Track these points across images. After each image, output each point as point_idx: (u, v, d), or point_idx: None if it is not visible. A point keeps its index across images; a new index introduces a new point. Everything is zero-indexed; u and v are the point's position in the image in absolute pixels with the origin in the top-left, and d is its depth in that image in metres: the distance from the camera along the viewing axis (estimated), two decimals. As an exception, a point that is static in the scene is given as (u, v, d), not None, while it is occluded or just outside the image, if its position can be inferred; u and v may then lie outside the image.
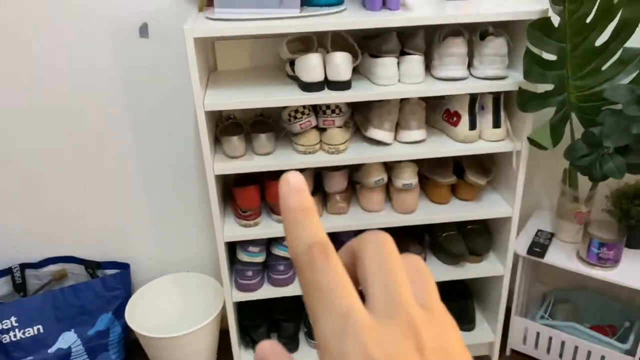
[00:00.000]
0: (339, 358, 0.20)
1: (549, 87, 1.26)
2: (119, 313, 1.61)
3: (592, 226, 1.46)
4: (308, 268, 0.22)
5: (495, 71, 1.29)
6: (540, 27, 1.19)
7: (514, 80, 1.29)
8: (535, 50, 1.22)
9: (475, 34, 1.32)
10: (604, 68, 1.22)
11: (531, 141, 1.32)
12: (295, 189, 0.24)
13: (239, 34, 1.14)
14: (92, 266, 1.67)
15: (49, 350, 1.50)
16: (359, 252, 0.24)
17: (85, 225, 1.66)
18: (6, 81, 1.44)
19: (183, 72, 1.48)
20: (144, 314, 1.64)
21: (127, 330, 1.63)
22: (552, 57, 1.22)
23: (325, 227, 1.39)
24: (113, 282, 1.61)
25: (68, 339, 1.54)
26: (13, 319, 1.48)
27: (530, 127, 1.34)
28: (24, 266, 1.65)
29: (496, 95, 1.34)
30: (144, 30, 1.41)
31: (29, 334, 1.49)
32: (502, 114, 1.35)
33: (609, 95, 1.16)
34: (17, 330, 1.47)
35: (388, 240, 0.24)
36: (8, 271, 1.63)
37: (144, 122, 1.54)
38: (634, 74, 1.20)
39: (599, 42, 1.20)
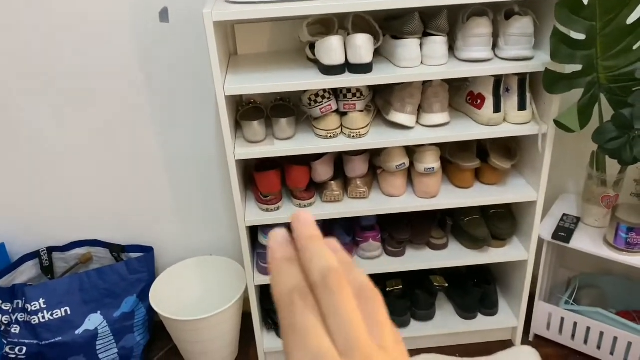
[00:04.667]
0: None
1: (577, 67, 1.22)
2: (144, 296, 1.63)
3: (620, 210, 1.42)
4: (287, 310, 0.25)
5: (521, 52, 1.25)
6: (568, 4, 1.14)
7: (540, 61, 1.25)
8: (563, 29, 1.18)
9: (500, 13, 1.28)
10: (635, 47, 1.18)
11: (558, 124, 1.28)
12: (279, 243, 0.28)
13: (258, 17, 1.13)
14: (116, 250, 1.69)
15: (77, 332, 1.54)
16: (311, 284, 0.26)
17: (109, 210, 1.68)
18: (29, 66, 1.46)
19: (203, 56, 1.47)
20: (168, 297, 1.66)
21: (151, 312, 1.66)
22: (580, 37, 1.18)
23: (345, 212, 1.39)
24: (137, 265, 1.63)
25: (95, 321, 1.57)
26: (41, 300, 1.51)
27: (556, 109, 1.30)
28: (51, 249, 1.68)
29: (522, 77, 1.30)
30: (164, 15, 1.41)
31: (56, 315, 1.52)
32: (528, 95, 1.31)
33: (640, 76, 1.12)
34: (45, 312, 1.51)
35: (335, 271, 0.26)
36: (36, 254, 1.67)
37: (165, 107, 1.54)
38: (668, 53, 1.16)
39: (630, 20, 1.15)
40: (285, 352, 0.25)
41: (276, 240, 0.28)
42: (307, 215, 0.29)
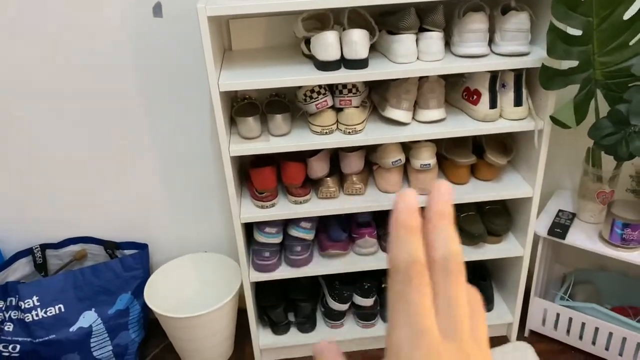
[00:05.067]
0: None
1: (574, 63, 1.21)
2: (138, 293, 1.63)
3: (615, 206, 1.43)
4: (403, 282, 0.25)
5: (517, 47, 1.25)
6: (565, 0, 1.14)
7: (536, 56, 1.25)
8: (560, 25, 1.17)
9: (496, 8, 1.27)
10: (631, 43, 1.18)
11: (554, 120, 1.28)
12: (408, 207, 0.27)
13: (253, 12, 1.12)
14: (111, 246, 1.68)
15: (71, 329, 1.53)
16: (431, 260, 0.26)
17: (103, 206, 1.67)
18: (19, 64, 1.44)
19: (198, 52, 1.46)
20: (163, 294, 1.65)
21: (146, 309, 1.65)
22: (577, 32, 1.18)
23: (342, 208, 1.39)
24: (132, 262, 1.62)
25: (89, 318, 1.56)
26: (35, 298, 1.50)
27: (552, 105, 1.30)
28: (44, 246, 1.67)
29: (518, 73, 1.30)
30: (157, 10, 1.40)
31: (50, 313, 1.51)
32: (524, 91, 1.31)
33: (636, 71, 1.12)
34: (39, 309, 1.50)
35: (458, 256, 0.26)
36: (29, 251, 1.66)
37: (159, 103, 1.53)
38: (664, 49, 1.16)
39: (627, 15, 1.15)
40: (389, 321, 0.25)
41: (405, 203, 0.27)
42: (448, 188, 0.28)
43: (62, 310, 1.53)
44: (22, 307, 1.49)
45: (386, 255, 0.24)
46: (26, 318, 1.49)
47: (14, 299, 1.51)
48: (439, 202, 0.28)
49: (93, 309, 1.56)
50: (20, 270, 1.65)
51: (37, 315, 1.50)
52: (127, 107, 1.53)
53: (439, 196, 0.28)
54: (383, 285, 1.65)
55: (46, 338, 1.50)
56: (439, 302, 0.25)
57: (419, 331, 0.24)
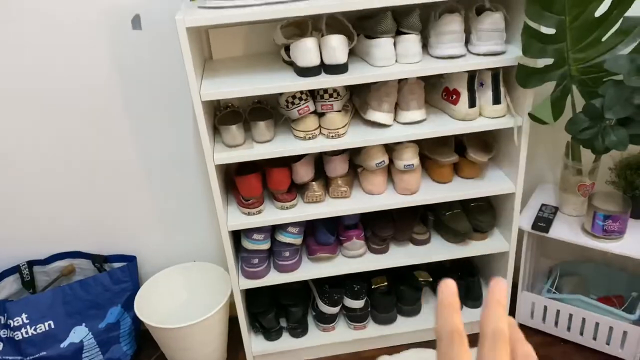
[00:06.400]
0: None
1: (549, 61, 1.24)
2: (129, 305, 1.62)
3: (596, 198, 1.45)
4: (448, 346, 0.32)
5: (494, 47, 1.27)
6: (539, 0, 1.16)
7: (512, 55, 1.27)
8: (534, 24, 1.20)
9: (471, 9, 1.30)
10: (604, 39, 1.20)
11: (532, 117, 1.31)
12: (450, 291, 0.34)
13: (231, 22, 1.13)
14: (99, 260, 1.68)
15: (62, 345, 1.52)
16: (482, 335, 0.33)
17: (90, 220, 1.66)
18: (1, 79, 1.43)
19: (178, 62, 1.46)
20: (153, 305, 1.65)
21: (137, 321, 1.65)
22: (550, 31, 1.20)
23: (328, 212, 1.40)
24: (121, 275, 1.62)
25: (80, 333, 1.55)
26: (24, 315, 1.49)
27: (530, 102, 1.33)
28: (31, 263, 1.66)
29: (495, 71, 1.32)
30: (136, 22, 1.40)
31: (40, 330, 1.50)
32: (502, 89, 1.33)
33: (609, 66, 1.14)
34: (28, 326, 1.49)
35: (505, 335, 0.32)
36: (16, 269, 1.64)
37: (142, 115, 1.53)
38: (635, 44, 1.18)
39: (598, 12, 1.17)
40: None
41: (449, 289, 0.34)
42: (505, 284, 0.35)
43: (52, 326, 1.52)
44: (11, 325, 1.48)
45: (434, 329, 0.38)
46: (16, 336, 1.48)
47: (2, 318, 1.50)
48: (498, 294, 0.34)
49: (83, 324, 1.56)
50: (8, 288, 1.64)
51: (26, 332, 1.49)
52: (110, 121, 1.52)
53: (497, 290, 0.35)
54: (372, 287, 1.67)
55: (37, 355, 1.49)
56: None
57: None
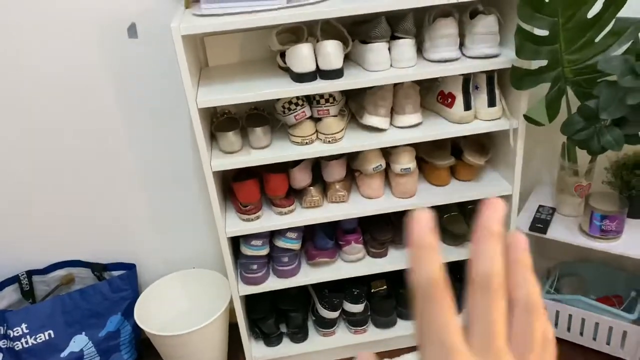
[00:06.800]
0: None
1: (543, 62, 1.25)
2: (128, 313, 1.62)
3: (593, 199, 1.46)
4: (426, 301, 0.25)
5: (488, 50, 1.28)
6: (530, 2, 1.17)
7: (506, 57, 1.28)
8: (527, 26, 1.21)
9: (465, 13, 1.31)
10: (597, 40, 1.21)
11: (527, 118, 1.31)
12: (422, 227, 0.27)
13: (226, 29, 1.13)
14: (98, 269, 1.68)
15: (62, 355, 1.52)
16: (471, 277, 0.27)
17: (88, 229, 1.66)
18: (-2, 90, 1.44)
19: (175, 70, 1.47)
20: (153, 313, 1.65)
21: (137, 329, 1.65)
22: (544, 33, 1.21)
23: (326, 216, 1.40)
24: (120, 283, 1.62)
25: (80, 342, 1.55)
26: (23, 325, 1.49)
27: (525, 104, 1.33)
28: (30, 273, 1.66)
29: (490, 74, 1.33)
30: (132, 31, 1.41)
31: (40, 339, 1.50)
32: (497, 92, 1.34)
33: (602, 67, 1.15)
34: (28, 336, 1.49)
35: (498, 276, 0.27)
36: (15, 279, 1.64)
37: (139, 122, 1.53)
38: (628, 44, 1.19)
39: (590, 14, 1.18)
40: (417, 341, 0.26)
41: (421, 223, 0.27)
42: (500, 205, 0.28)
43: (52, 336, 1.52)
44: (11, 335, 1.48)
45: (409, 276, 0.27)
46: (16, 346, 1.48)
47: (2, 328, 1.50)
48: (490, 220, 0.27)
49: (83, 333, 1.56)
50: (7, 298, 1.63)
51: (26, 342, 1.49)
52: (107, 129, 1.53)
53: (489, 213, 0.28)
54: (372, 291, 1.67)
55: (37, 365, 1.48)
56: (475, 318, 0.26)
57: (447, 349, 0.24)
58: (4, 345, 1.50)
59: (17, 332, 1.48)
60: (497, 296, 0.26)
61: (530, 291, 0.27)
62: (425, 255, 0.26)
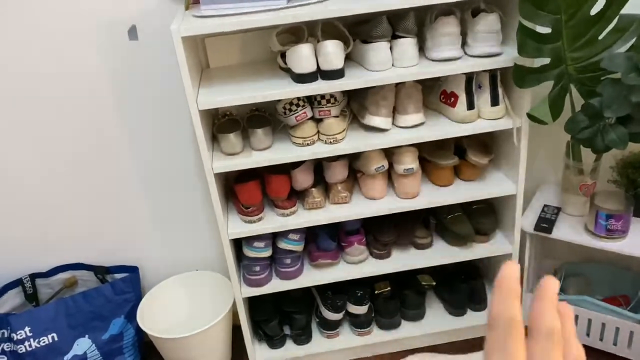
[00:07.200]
0: None
1: (545, 60, 1.23)
2: (131, 316, 1.62)
3: (598, 198, 1.44)
4: (503, 334, 0.29)
5: (490, 48, 1.26)
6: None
7: (509, 56, 1.27)
8: (529, 24, 1.19)
9: (466, 11, 1.29)
10: (600, 37, 1.20)
11: (531, 117, 1.30)
12: (512, 275, 0.31)
13: (226, 30, 1.13)
14: (101, 272, 1.67)
15: (65, 357, 1.52)
16: (532, 333, 0.30)
17: (91, 232, 1.66)
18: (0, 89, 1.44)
19: (176, 72, 1.47)
20: (156, 315, 1.65)
21: (140, 332, 1.64)
22: (546, 30, 1.20)
23: (329, 217, 1.39)
24: (123, 286, 1.61)
25: (83, 345, 1.55)
26: (27, 329, 1.49)
27: (529, 102, 1.32)
28: (34, 276, 1.66)
29: (492, 73, 1.32)
30: (132, 33, 1.40)
31: (43, 342, 1.50)
32: (500, 91, 1.33)
33: (606, 65, 1.14)
34: (31, 340, 1.49)
35: (559, 334, 0.30)
36: (19, 282, 1.64)
37: (140, 125, 1.53)
38: (632, 41, 1.18)
39: (594, 10, 1.17)
40: None
41: (511, 271, 0.31)
42: (556, 285, 0.32)
43: (56, 339, 1.52)
44: (15, 338, 1.48)
45: (488, 315, 0.32)
46: (19, 349, 1.48)
47: (5, 331, 1.49)
48: (548, 292, 0.31)
49: (87, 336, 1.55)
50: (11, 301, 1.64)
51: (30, 346, 1.49)
52: (108, 132, 1.53)
53: (546, 291, 0.31)
54: (376, 292, 1.66)
55: (40, 368, 1.48)
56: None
57: None
58: (7, 348, 1.50)
59: (21, 335, 1.48)
60: (556, 350, 0.29)
61: (581, 353, 0.31)
62: (511, 298, 0.30)
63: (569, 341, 0.31)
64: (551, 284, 0.32)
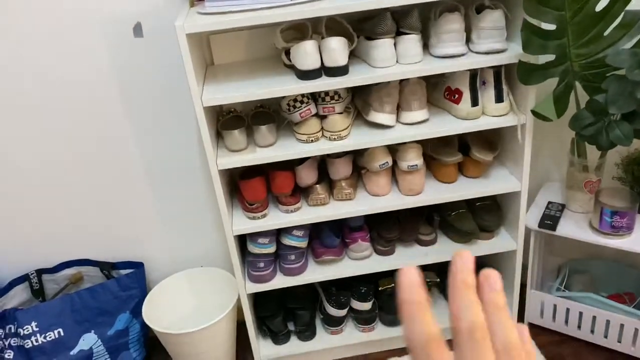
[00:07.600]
0: None
1: (550, 57, 1.23)
2: (137, 312, 1.63)
3: (603, 195, 1.44)
4: (423, 354, 0.26)
5: (494, 45, 1.26)
6: (536, -4, 1.16)
7: (513, 52, 1.27)
8: (533, 20, 1.19)
9: (471, 8, 1.29)
10: (605, 33, 1.19)
11: (535, 114, 1.30)
12: (411, 284, 0.27)
13: (230, 27, 1.13)
14: (106, 267, 1.69)
15: (71, 353, 1.53)
16: (455, 329, 0.27)
17: (97, 228, 1.67)
18: (6, 88, 1.45)
19: (180, 69, 1.47)
20: (161, 311, 1.66)
21: (145, 328, 1.65)
22: (551, 27, 1.19)
23: (333, 214, 1.40)
24: (128, 281, 1.62)
25: (89, 341, 1.56)
26: (33, 324, 1.50)
27: (533, 99, 1.32)
28: (40, 272, 1.67)
29: (497, 69, 1.32)
30: (137, 30, 1.41)
31: (50, 337, 1.51)
32: (504, 87, 1.33)
33: (611, 61, 1.14)
34: (38, 335, 1.50)
35: (482, 328, 0.27)
36: (25, 277, 1.66)
37: (145, 121, 1.54)
38: (637, 38, 1.17)
39: (599, 7, 1.17)
40: None
41: (408, 280, 0.27)
42: (470, 257, 0.28)
43: (62, 334, 1.53)
44: (22, 333, 1.49)
45: (402, 334, 0.28)
46: (26, 344, 1.49)
47: (12, 326, 1.51)
48: (462, 273, 0.28)
49: (92, 331, 1.57)
50: (18, 296, 1.65)
51: (36, 341, 1.50)
52: (113, 129, 1.54)
53: (462, 264, 0.28)
54: (380, 288, 1.66)
55: (47, 363, 1.50)
56: None
57: None
58: (14, 343, 1.51)
59: (27, 331, 1.49)
60: (483, 347, 0.26)
61: (507, 334, 0.27)
62: (417, 312, 0.27)
63: (496, 320, 0.27)
64: (460, 265, 0.28)
